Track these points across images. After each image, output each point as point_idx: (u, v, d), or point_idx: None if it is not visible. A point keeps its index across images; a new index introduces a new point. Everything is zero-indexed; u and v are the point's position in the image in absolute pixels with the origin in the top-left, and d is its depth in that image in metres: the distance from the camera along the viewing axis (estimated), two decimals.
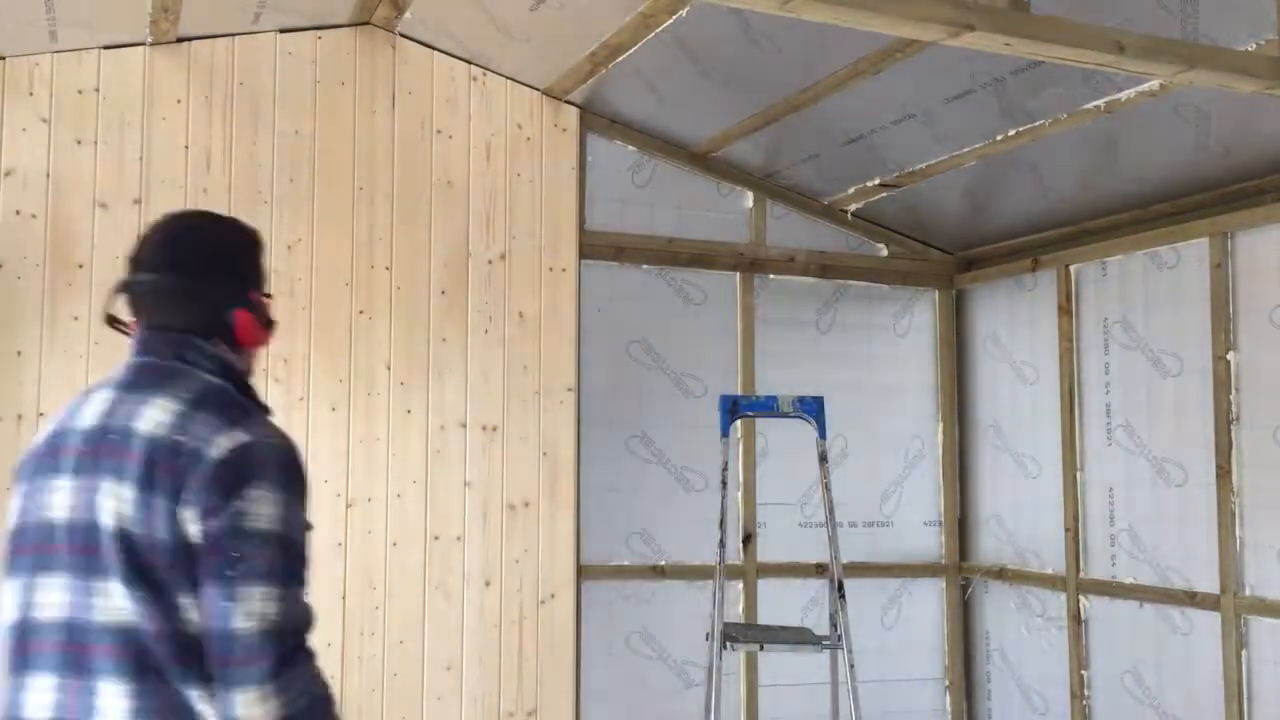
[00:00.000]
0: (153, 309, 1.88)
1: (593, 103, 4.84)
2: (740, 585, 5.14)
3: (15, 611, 1.77)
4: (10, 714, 1.76)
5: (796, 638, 4.38)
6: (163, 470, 1.71)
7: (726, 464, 4.33)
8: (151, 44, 4.25)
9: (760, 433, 5.23)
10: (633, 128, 5.00)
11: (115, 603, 1.70)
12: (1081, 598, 4.94)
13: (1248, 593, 4.27)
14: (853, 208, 5.36)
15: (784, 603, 5.22)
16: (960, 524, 5.59)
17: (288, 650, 1.80)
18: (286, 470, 1.77)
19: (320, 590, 4.32)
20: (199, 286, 1.88)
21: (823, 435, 4.39)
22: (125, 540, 1.70)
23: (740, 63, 4.22)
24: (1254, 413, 4.28)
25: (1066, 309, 5.07)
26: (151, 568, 1.70)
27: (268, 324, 1.97)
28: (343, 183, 4.48)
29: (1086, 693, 4.92)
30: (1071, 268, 5.07)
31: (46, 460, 1.81)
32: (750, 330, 5.25)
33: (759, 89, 4.41)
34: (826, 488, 4.38)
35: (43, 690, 1.73)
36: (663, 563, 5.03)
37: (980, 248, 5.52)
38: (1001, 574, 5.37)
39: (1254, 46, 3.33)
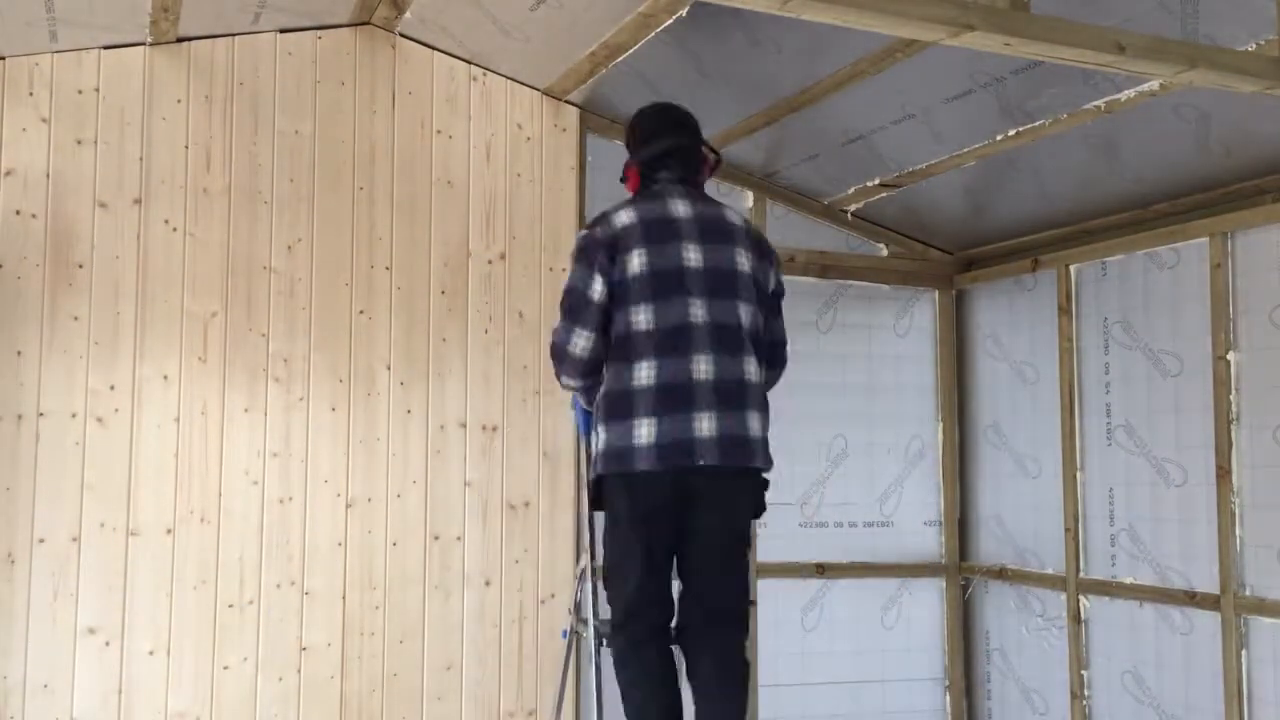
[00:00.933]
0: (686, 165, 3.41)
1: (593, 103, 4.84)
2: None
3: (676, 318, 3.12)
4: (680, 379, 3.09)
5: None
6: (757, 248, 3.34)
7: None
8: (151, 44, 4.25)
9: None
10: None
11: (746, 313, 3.22)
12: (1081, 598, 4.94)
13: (1248, 593, 4.27)
14: (853, 208, 5.36)
15: (783, 603, 5.22)
16: (960, 524, 5.59)
17: None
18: None
19: (320, 590, 4.32)
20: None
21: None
22: (753, 280, 3.28)
23: (740, 63, 4.22)
24: (1254, 413, 4.28)
25: (1066, 309, 5.07)
26: (759, 297, 3.30)
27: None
28: (343, 183, 4.48)
29: (1086, 693, 4.92)
30: (1071, 268, 5.07)
31: (660, 233, 3.21)
32: None
33: (759, 89, 4.41)
34: None
35: (706, 363, 3.12)
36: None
37: (980, 248, 5.52)
38: (1001, 574, 5.37)
39: (1254, 46, 3.33)
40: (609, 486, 3.20)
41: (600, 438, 3.18)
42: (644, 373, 3.10)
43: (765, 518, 5.15)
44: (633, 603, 3.22)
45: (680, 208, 3.27)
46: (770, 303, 3.37)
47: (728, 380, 3.13)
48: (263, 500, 4.28)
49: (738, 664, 3.31)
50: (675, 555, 3.27)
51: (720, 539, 3.25)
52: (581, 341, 3.19)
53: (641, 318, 3.13)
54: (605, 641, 3.61)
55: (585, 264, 3.19)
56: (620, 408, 3.12)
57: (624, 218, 3.23)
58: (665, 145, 3.39)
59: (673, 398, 3.08)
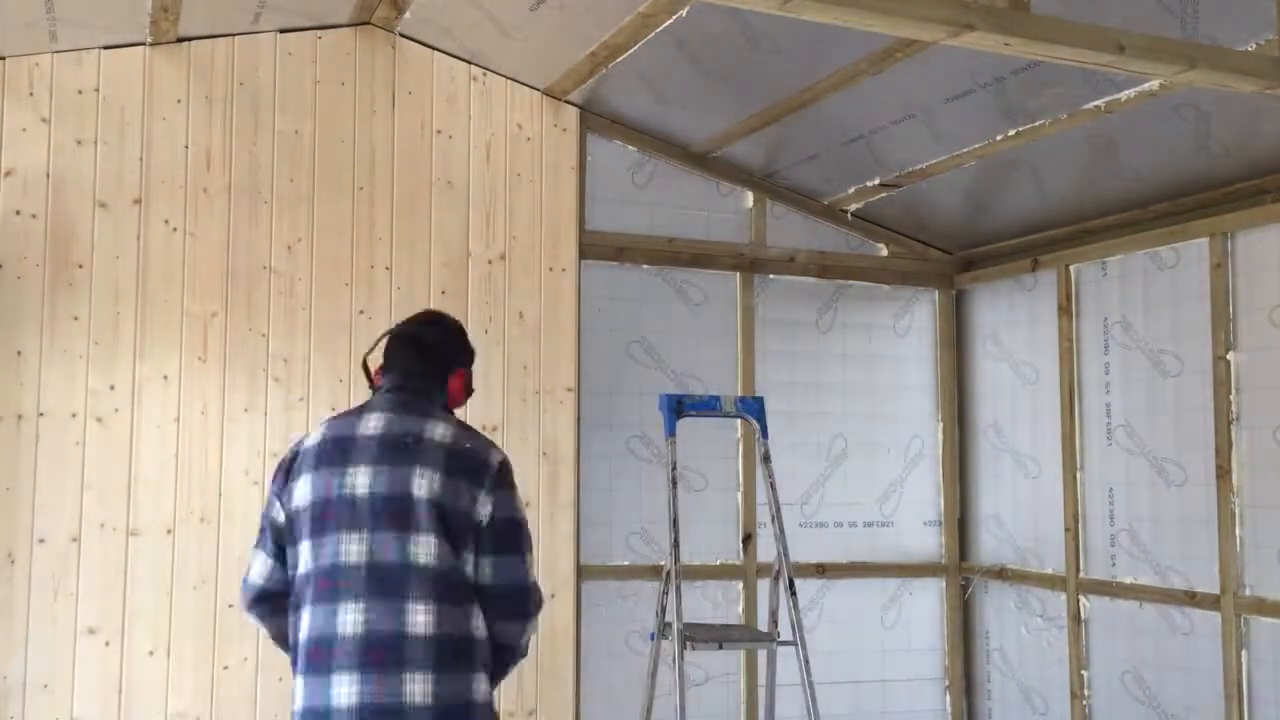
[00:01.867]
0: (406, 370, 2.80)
1: (593, 103, 4.84)
2: (740, 585, 5.14)
3: (328, 559, 2.57)
4: (326, 632, 2.55)
5: (753, 637, 4.39)
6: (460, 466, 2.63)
7: (675, 463, 4.22)
8: (151, 44, 4.25)
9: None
10: (633, 128, 5.00)
11: (423, 549, 2.56)
12: (1081, 598, 4.94)
13: (1248, 593, 4.27)
14: (853, 208, 5.36)
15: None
16: (960, 524, 5.59)
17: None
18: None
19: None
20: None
21: (764, 435, 4.37)
22: (436, 508, 2.58)
23: (740, 63, 4.22)
24: (1254, 413, 4.28)
25: (1066, 309, 5.07)
26: (450, 529, 2.58)
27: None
28: (343, 183, 4.48)
29: (1086, 693, 4.92)
30: (1071, 268, 5.07)
31: (336, 455, 2.64)
32: (750, 330, 5.25)
33: (759, 89, 4.41)
34: (772, 487, 4.31)
35: (355, 613, 2.54)
36: (663, 563, 5.03)
37: (980, 248, 5.52)
38: (1001, 574, 5.37)
39: (1254, 46, 3.33)
40: None
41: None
42: (303, 622, 2.59)
43: (765, 518, 5.23)
44: None
45: (372, 423, 2.67)
46: (485, 535, 2.61)
47: (382, 636, 2.52)
48: (263, 500, 4.27)
49: None
50: None
51: None
52: (258, 568, 2.69)
53: (303, 557, 2.61)
54: (690, 645, 4.02)
55: (273, 484, 2.72)
56: (295, 663, 2.65)
57: (312, 438, 2.71)
58: (393, 355, 2.83)
59: (318, 657, 2.56)
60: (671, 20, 3.92)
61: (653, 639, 4.25)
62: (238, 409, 4.27)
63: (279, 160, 4.40)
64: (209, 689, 4.17)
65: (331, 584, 2.57)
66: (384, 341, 2.86)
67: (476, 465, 2.64)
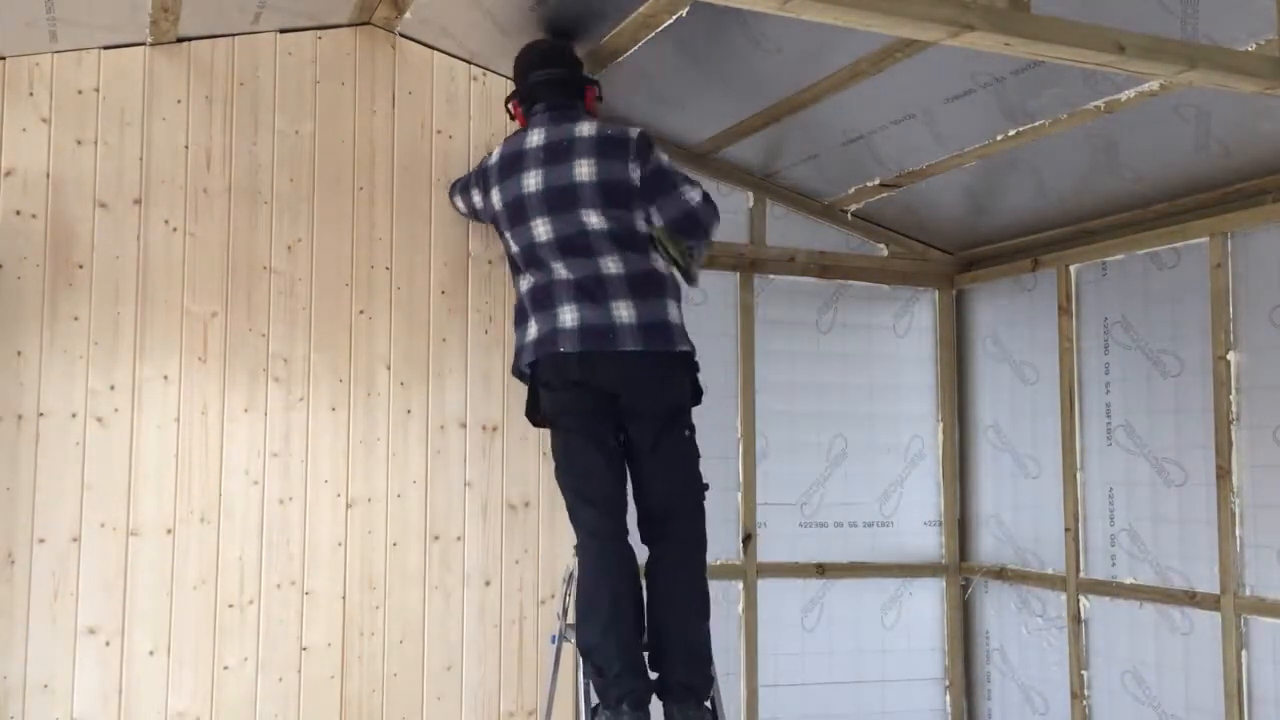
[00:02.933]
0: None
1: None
2: (740, 585, 5.14)
3: (525, 239, 3.89)
4: (542, 283, 3.87)
5: None
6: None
7: None
8: (151, 44, 4.25)
9: (761, 433, 5.23)
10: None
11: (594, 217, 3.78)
12: (1081, 598, 4.94)
13: (1248, 593, 4.27)
14: (853, 208, 5.37)
15: (783, 603, 5.22)
16: (960, 524, 5.59)
17: None
18: None
19: (320, 590, 4.32)
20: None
21: None
22: (600, 185, 3.77)
23: (740, 63, 4.22)
24: (1254, 413, 4.28)
25: (1066, 309, 5.07)
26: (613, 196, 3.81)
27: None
28: (343, 183, 4.48)
29: (1086, 693, 4.93)
30: (1071, 268, 5.07)
31: (507, 167, 3.94)
32: (750, 330, 5.25)
33: (759, 89, 4.41)
34: None
35: (560, 267, 3.83)
36: None
37: (980, 248, 5.52)
38: (1001, 574, 5.37)
39: (1254, 46, 3.33)
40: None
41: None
42: (523, 283, 3.93)
43: (765, 517, 5.23)
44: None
45: (535, 137, 3.86)
46: (646, 187, 3.80)
47: (586, 278, 3.73)
48: (263, 500, 4.28)
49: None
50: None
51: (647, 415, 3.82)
52: (458, 200, 4.35)
53: (509, 241, 3.95)
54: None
55: (467, 181, 4.26)
56: (519, 315, 4.00)
57: (493, 156, 4.04)
58: (536, 77, 3.98)
59: (540, 299, 3.83)
60: (671, 20, 3.92)
61: (554, 642, 4.14)
62: (238, 409, 4.28)
63: (279, 160, 4.40)
64: (209, 689, 4.17)
65: (536, 254, 3.82)
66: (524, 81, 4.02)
67: (616, 144, 3.76)
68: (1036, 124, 4.17)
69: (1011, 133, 4.28)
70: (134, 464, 4.14)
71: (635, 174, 3.80)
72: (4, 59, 4.09)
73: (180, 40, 4.28)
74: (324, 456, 4.37)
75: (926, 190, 5.01)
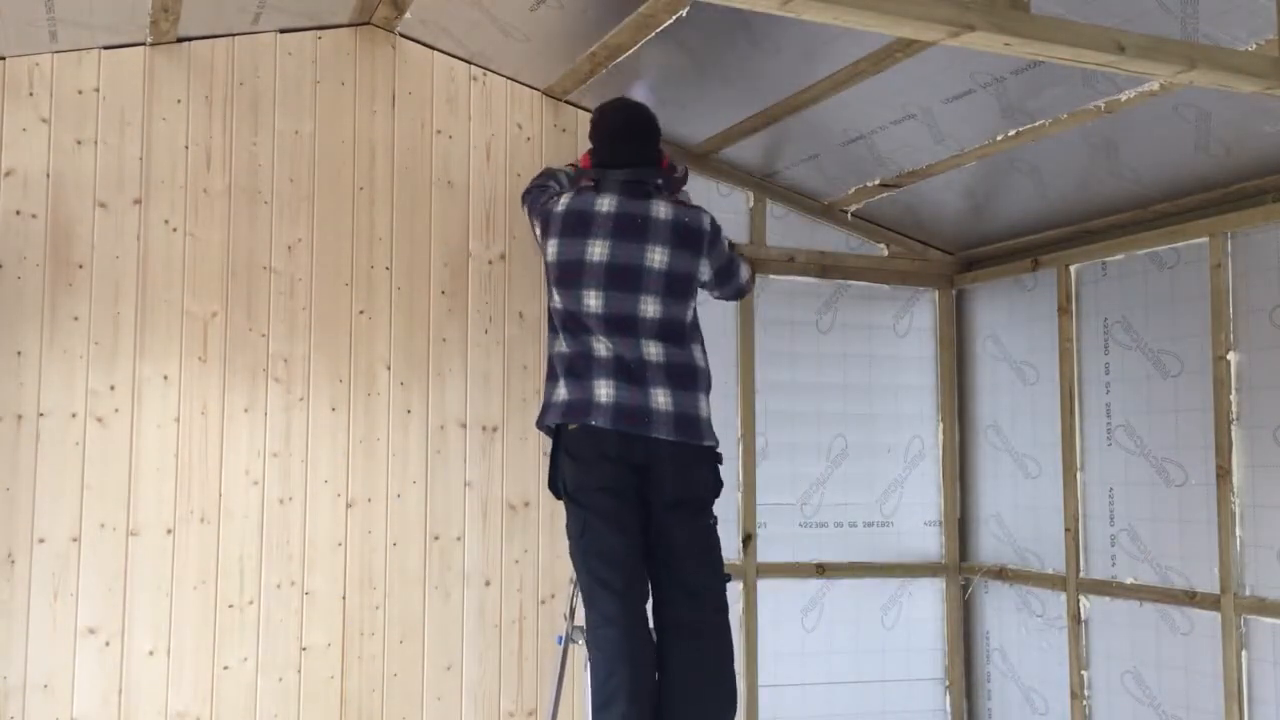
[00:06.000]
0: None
1: (593, 103, 4.83)
2: (740, 585, 5.14)
3: (576, 305, 3.68)
4: (586, 351, 3.70)
5: None
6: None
7: None
8: (151, 44, 4.25)
9: (760, 433, 5.23)
10: None
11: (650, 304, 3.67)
12: (1081, 598, 4.94)
13: (1248, 593, 4.27)
14: (853, 208, 5.36)
15: (783, 603, 5.22)
16: (960, 524, 5.59)
17: None
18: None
19: (320, 590, 4.33)
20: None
21: None
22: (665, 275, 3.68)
23: (740, 63, 4.22)
24: (1254, 413, 4.28)
25: (1066, 309, 5.07)
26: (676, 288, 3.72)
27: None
28: (343, 183, 4.48)
29: (1086, 693, 4.92)
30: (1071, 268, 5.07)
31: (572, 225, 3.71)
32: (750, 330, 5.25)
33: (759, 89, 4.41)
34: None
35: (603, 341, 3.70)
36: None
37: (980, 248, 5.52)
38: (1001, 574, 5.37)
39: (1254, 46, 3.33)
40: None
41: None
42: (560, 344, 3.76)
43: (765, 517, 5.23)
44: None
45: (606, 203, 3.71)
46: (711, 280, 3.90)
47: (629, 358, 3.63)
48: (263, 500, 4.28)
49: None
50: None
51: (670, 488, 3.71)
52: (528, 213, 4.04)
53: (555, 297, 3.76)
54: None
55: (534, 203, 3.98)
56: (549, 372, 3.82)
57: (560, 205, 3.79)
58: (622, 144, 3.87)
59: (577, 368, 3.68)
60: (671, 20, 3.92)
61: (560, 643, 4.02)
62: (238, 409, 4.28)
63: (279, 160, 4.40)
64: (209, 689, 4.17)
65: (581, 322, 3.68)
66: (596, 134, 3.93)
67: (694, 236, 3.73)
68: (1036, 124, 4.17)
69: (1011, 133, 4.27)
70: (134, 464, 4.14)
71: (706, 269, 3.82)
72: (4, 59, 4.10)
73: (180, 40, 4.28)
74: (324, 456, 4.37)
75: (926, 190, 5.01)
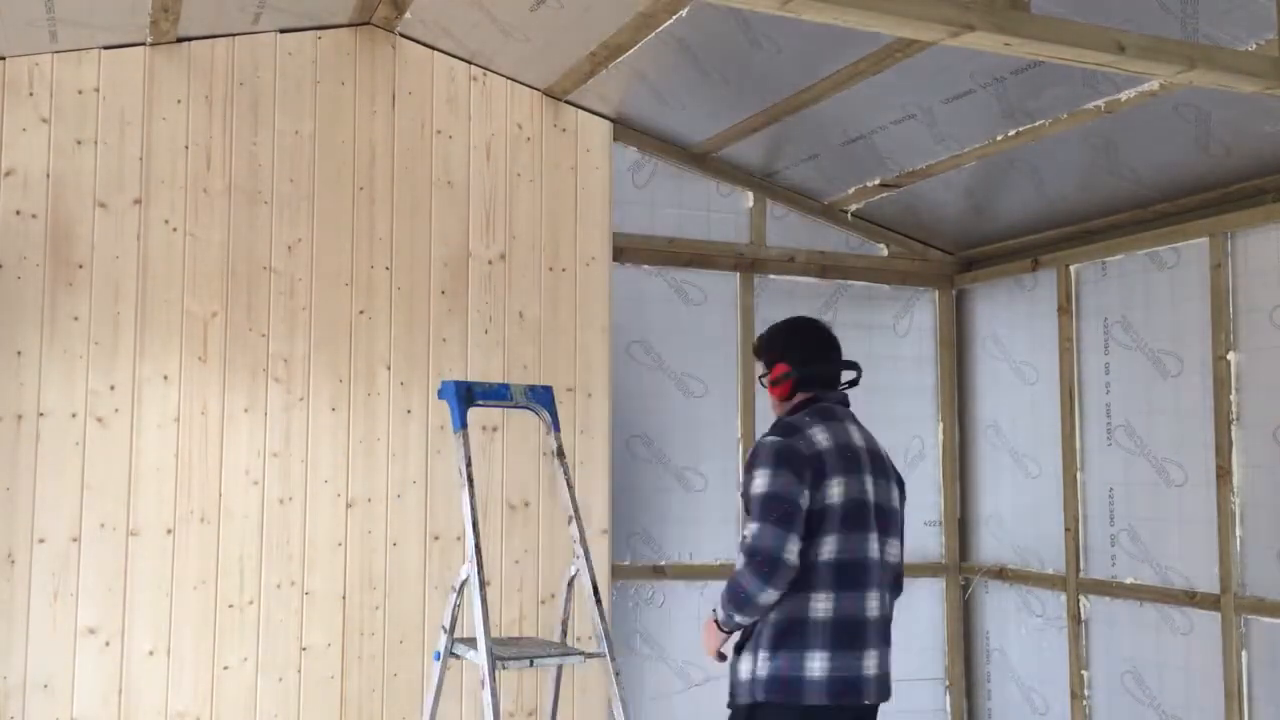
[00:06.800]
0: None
1: (593, 103, 4.83)
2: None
3: (849, 554, 3.00)
4: (858, 615, 3.00)
5: (562, 651, 3.76)
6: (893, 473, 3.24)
7: (469, 460, 3.60)
8: (151, 44, 4.25)
9: (760, 433, 5.22)
10: (632, 128, 5.00)
11: (892, 549, 3.15)
12: (1081, 598, 4.94)
13: (1247, 593, 4.27)
14: (853, 208, 5.36)
15: None
16: (960, 524, 5.59)
17: None
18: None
19: (320, 590, 4.32)
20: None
21: (555, 428, 3.85)
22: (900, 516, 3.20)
23: (740, 63, 4.22)
24: (1254, 413, 4.28)
25: (1066, 309, 5.07)
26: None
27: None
28: (343, 183, 4.48)
29: (1086, 693, 4.92)
30: (1071, 268, 5.07)
31: (850, 463, 3.07)
32: (750, 330, 5.25)
33: (759, 89, 4.41)
34: (569, 486, 3.81)
35: (873, 600, 3.03)
36: (663, 563, 5.03)
37: (980, 248, 5.52)
38: (1001, 574, 5.37)
39: (1254, 46, 3.33)
40: (771, 716, 3.01)
41: (764, 663, 2.99)
42: (821, 604, 2.97)
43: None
44: None
45: (856, 436, 3.17)
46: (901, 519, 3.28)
47: (885, 619, 3.11)
48: (263, 500, 4.28)
49: None
50: None
51: None
52: (794, 548, 2.93)
53: (828, 548, 2.98)
54: (502, 664, 3.45)
55: (793, 474, 2.98)
56: (793, 637, 2.96)
57: (821, 438, 3.06)
58: (830, 369, 3.35)
59: (848, 634, 2.98)
60: (671, 20, 3.92)
61: (437, 659, 3.65)
62: (238, 409, 4.27)
63: (279, 160, 4.40)
64: (209, 689, 4.17)
65: (862, 574, 3.03)
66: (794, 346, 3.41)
67: (892, 468, 3.26)
68: (1036, 124, 4.17)
69: (1011, 133, 4.27)
70: (134, 464, 4.14)
71: (903, 506, 3.28)
72: (4, 59, 4.09)
73: (180, 40, 4.28)
74: (324, 456, 4.37)
75: (926, 190, 5.01)
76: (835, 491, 3.00)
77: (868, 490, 3.07)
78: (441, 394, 3.70)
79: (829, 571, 2.97)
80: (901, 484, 3.26)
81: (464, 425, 3.62)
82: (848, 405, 3.31)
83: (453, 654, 3.60)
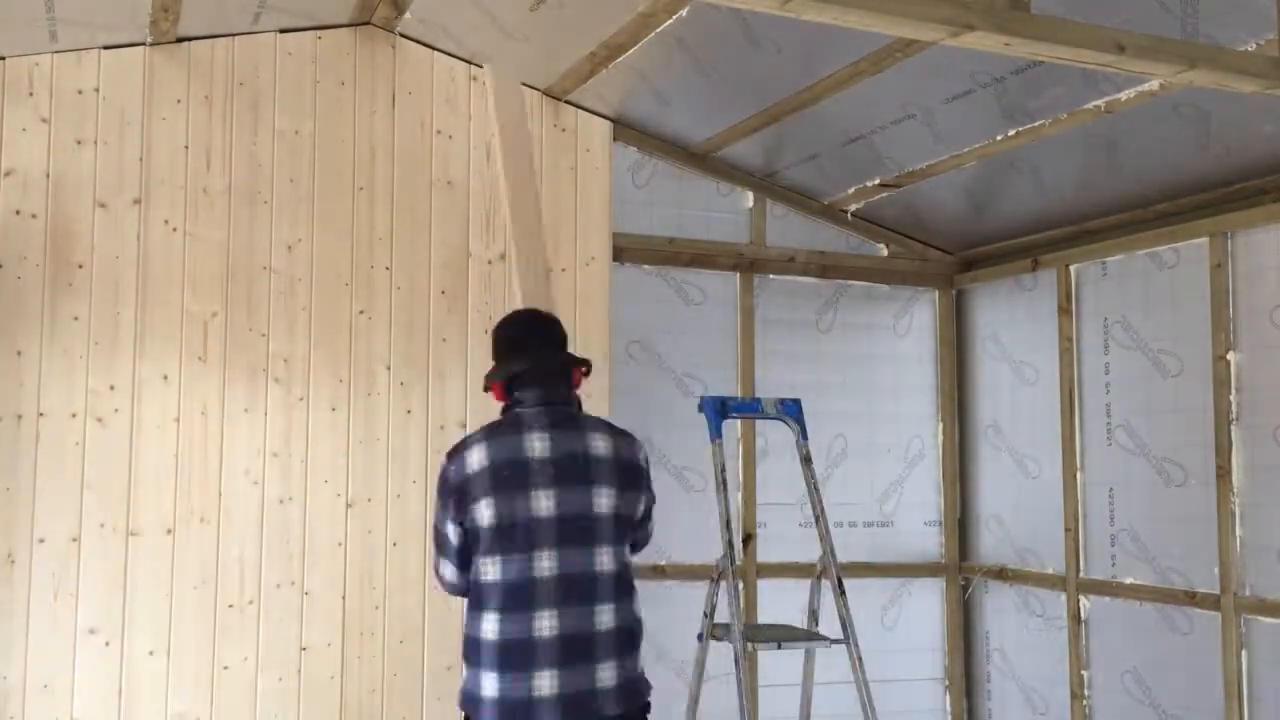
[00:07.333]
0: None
1: (593, 103, 4.83)
2: (740, 585, 5.13)
3: (514, 574, 2.89)
4: (524, 635, 2.88)
5: (808, 636, 4.42)
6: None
7: (724, 465, 4.26)
8: (151, 44, 4.25)
9: (760, 433, 5.23)
10: (633, 128, 5.00)
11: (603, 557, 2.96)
12: (1081, 598, 4.94)
13: (1248, 593, 4.27)
14: (853, 208, 5.36)
15: (783, 603, 5.21)
16: (960, 524, 5.59)
17: None
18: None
19: (320, 590, 4.32)
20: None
21: (804, 438, 4.36)
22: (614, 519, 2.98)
23: (740, 63, 4.22)
24: (1254, 413, 4.28)
25: (1066, 309, 5.07)
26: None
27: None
28: (343, 183, 4.48)
29: (1086, 693, 4.92)
30: (1071, 268, 5.07)
31: (512, 480, 2.92)
32: (750, 330, 5.25)
33: (759, 89, 4.41)
34: (814, 489, 4.34)
35: (544, 619, 2.88)
36: (663, 563, 5.03)
37: (980, 248, 5.52)
38: (1001, 574, 5.37)
39: (1254, 46, 3.33)
40: None
41: (463, 676, 3.05)
42: (489, 626, 2.91)
43: (765, 517, 5.23)
44: None
45: (537, 444, 2.96)
46: (640, 522, 3.12)
47: (574, 635, 2.90)
48: (263, 500, 4.28)
49: None
50: None
51: None
52: (449, 573, 3.06)
53: (488, 570, 2.93)
54: (752, 645, 4.03)
55: (441, 505, 3.01)
56: (471, 654, 2.98)
57: (475, 459, 2.96)
58: (526, 364, 3.08)
59: (517, 655, 2.88)
60: (671, 20, 3.92)
61: (700, 640, 4.28)
62: (238, 409, 4.27)
63: (279, 160, 4.40)
64: (209, 689, 4.17)
65: (524, 595, 2.91)
66: (502, 353, 3.16)
67: (634, 470, 3.06)
68: (1036, 124, 4.17)
69: (1011, 133, 4.28)
70: (134, 464, 4.14)
71: (639, 511, 3.10)
72: (4, 59, 4.09)
73: (180, 40, 4.28)
74: (324, 456, 4.37)
75: (926, 190, 5.01)
76: (485, 514, 2.90)
77: (535, 506, 2.90)
78: (701, 408, 4.30)
79: (495, 593, 2.91)
80: (635, 484, 3.03)
81: (719, 435, 4.26)
82: (566, 404, 3.06)
83: (713, 637, 4.11)
